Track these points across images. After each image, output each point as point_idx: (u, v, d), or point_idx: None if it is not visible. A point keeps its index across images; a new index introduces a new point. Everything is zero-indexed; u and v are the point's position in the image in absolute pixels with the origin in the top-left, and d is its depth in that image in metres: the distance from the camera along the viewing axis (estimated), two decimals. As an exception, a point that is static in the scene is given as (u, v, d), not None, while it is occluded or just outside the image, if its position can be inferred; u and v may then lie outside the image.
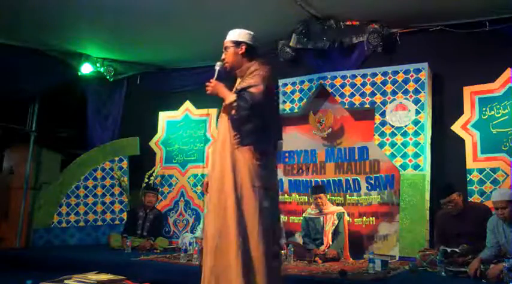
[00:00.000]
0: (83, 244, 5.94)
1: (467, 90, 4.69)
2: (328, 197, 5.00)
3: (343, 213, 4.79)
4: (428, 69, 4.92)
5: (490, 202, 4.16)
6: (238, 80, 2.71)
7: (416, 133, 4.79)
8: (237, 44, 2.70)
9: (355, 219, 5.11)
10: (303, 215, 4.97)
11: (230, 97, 2.51)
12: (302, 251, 4.53)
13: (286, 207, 5.53)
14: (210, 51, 6.07)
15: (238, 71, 2.72)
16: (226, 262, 2.39)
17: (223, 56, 2.73)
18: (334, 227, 4.67)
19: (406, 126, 4.86)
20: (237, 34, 2.72)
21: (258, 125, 2.54)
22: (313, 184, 5.33)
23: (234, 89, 2.60)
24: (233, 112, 2.49)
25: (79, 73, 6.40)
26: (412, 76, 4.94)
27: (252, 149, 2.52)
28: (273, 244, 2.52)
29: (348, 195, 5.24)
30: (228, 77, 2.73)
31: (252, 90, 2.50)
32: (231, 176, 2.48)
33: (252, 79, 2.56)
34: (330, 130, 5.42)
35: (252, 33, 2.74)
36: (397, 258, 4.57)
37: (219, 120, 2.71)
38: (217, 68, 2.69)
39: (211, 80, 2.59)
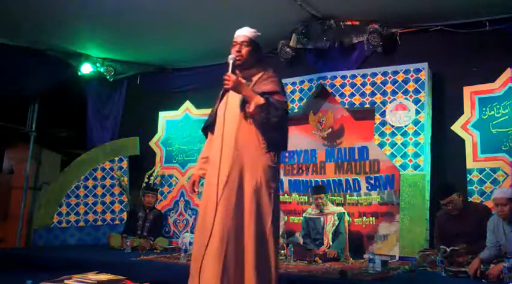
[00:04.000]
0: (83, 244, 5.94)
1: (467, 90, 4.68)
2: (328, 197, 5.01)
3: (344, 213, 4.79)
4: (428, 69, 4.92)
5: (490, 202, 4.17)
6: (243, 80, 2.57)
7: (416, 133, 4.79)
8: (256, 45, 2.65)
9: (355, 219, 5.11)
10: (303, 215, 4.98)
11: (258, 98, 2.41)
12: (302, 251, 4.53)
13: (286, 207, 5.53)
14: (210, 51, 6.15)
15: (245, 71, 2.62)
16: (239, 264, 2.32)
17: (237, 49, 2.59)
18: (334, 227, 4.67)
19: (406, 126, 4.86)
20: (256, 36, 2.65)
21: (287, 132, 2.57)
22: (313, 184, 5.33)
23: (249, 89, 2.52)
24: (262, 115, 2.42)
25: (79, 73, 6.40)
26: (412, 76, 4.94)
27: (273, 154, 2.53)
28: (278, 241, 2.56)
29: (348, 195, 5.24)
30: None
31: (277, 97, 2.48)
32: (249, 177, 2.44)
33: (269, 85, 2.53)
34: (330, 130, 5.42)
35: None
36: (397, 258, 4.56)
37: (225, 114, 2.56)
38: (230, 61, 2.53)
39: (229, 74, 2.44)
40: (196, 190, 2.70)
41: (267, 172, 2.48)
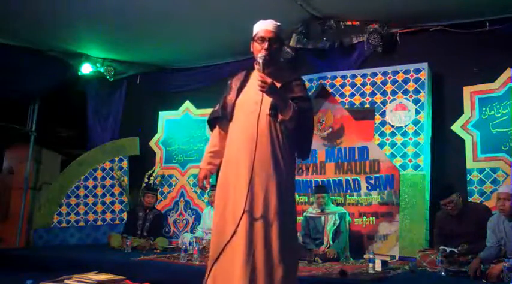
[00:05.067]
0: (83, 244, 5.94)
1: (467, 90, 4.68)
2: (329, 197, 5.01)
3: (345, 213, 4.80)
4: (428, 69, 4.92)
5: (490, 202, 4.17)
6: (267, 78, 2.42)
7: (416, 133, 4.79)
8: (282, 42, 2.53)
9: (355, 219, 5.11)
10: (304, 214, 4.98)
11: (292, 105, 2.29)
12: (302, 251, 4.53)
13: (286, 207, 5.52)
14: (210, 51, 6.15)
15: (269, 70, 2.38)
16: (270, 264, 2.20)
17: (265, 46, 2.40)
18: (335, 227, 4.67)
19: (406, 126, 4.86)
20: (282, 30, 2.48)
21: (309, 140, 2.46)
22: (313, 184, 5.35)
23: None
24: (294, 123, 2.30)
25: (79, 73, 6.40)
26: (412, 76, 4.94)
27: (295, 162, 2.47)
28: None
29: (348, 195, 5.24)
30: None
31: (306, 105, 2.38)
32: (274, 184, 2.28)
33: (296, 89, 2.41)
34: (330, 130, 5.43)
35: None
36: (397, 258, 4.57)
37: (259, 117, 2.33)
38: (261, 60, 2.34)
39: (263, 76, 2.26)
40: (207, 186, 2.57)
41: (290, 179, 2.39)
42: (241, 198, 2.24)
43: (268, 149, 2.32)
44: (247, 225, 2.21)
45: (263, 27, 2.46)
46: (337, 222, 4.68)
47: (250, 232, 2.21)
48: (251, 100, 2.39)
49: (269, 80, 2.25)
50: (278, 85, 2.37)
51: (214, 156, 2.59)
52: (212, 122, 2.64)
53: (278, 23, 2.48)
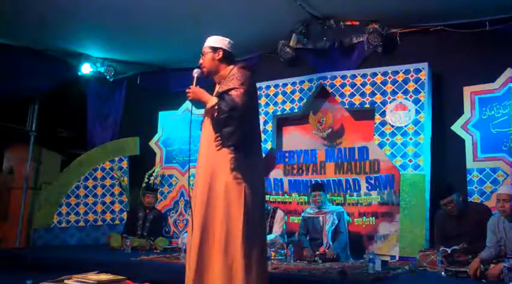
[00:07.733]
0: (83, 244, 5.94)
1: (467, 90, 4.68)
2: (328, 197, 5.02)
3: (343, 212, 4.80)
4: (428, 69, 4.92)
5: (490, 202, 4.17)
6: (218, 85, 2.79)
7: (416, 133, 4.79)
8: (214, 49, 2.77)
9: (355, 219, 5.11)
10: (302, 214, 4.98)
11: (212, 100, 2.63)
12: (300, 250, 4.53)
13: (286, 207, 5.53)
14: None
15: (216, 77, 2.80)
16: (210, 254, 2.48)
17: (200, 61, 2.81)
18: (334, 227, 4.67)
19: (406, 126, 4.86)
20: (214, 40, 2.80)
21: (239, 127, 2.60)
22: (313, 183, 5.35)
23: (215, 93, 2.70)
24: (215, 114, 2.59)
25: (79, 73, 6.40)
26: (412, 76, 4.94)
27: (233, 150, 2.59)
28: (258, 237, 2.62)
29: (348, 195, 5.24)
30: (206, 83, 2.83)
31: (232, 92, 2.58)
32: (221, 175, 2.57)
33: (231, 82, 2.64)
34: (330, 130, 5.42)
35: (229, 39, 2.82)
36: (397, 258, 4.57)
37: (203, 123, 2.83)
38: (195, 75, 2.76)
39: (191, 86, 2.69)
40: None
41: (237, 169, 2.57)
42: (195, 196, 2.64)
43: (206, 146, 2.70)
44: (199, 218, 2.55)
45: None
46: (336, 222, 4.68)
47: (202, 223, 2.53)
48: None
49: (193, 88, 2.69)
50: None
51: None
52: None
53: (212, 37, 2.81)
